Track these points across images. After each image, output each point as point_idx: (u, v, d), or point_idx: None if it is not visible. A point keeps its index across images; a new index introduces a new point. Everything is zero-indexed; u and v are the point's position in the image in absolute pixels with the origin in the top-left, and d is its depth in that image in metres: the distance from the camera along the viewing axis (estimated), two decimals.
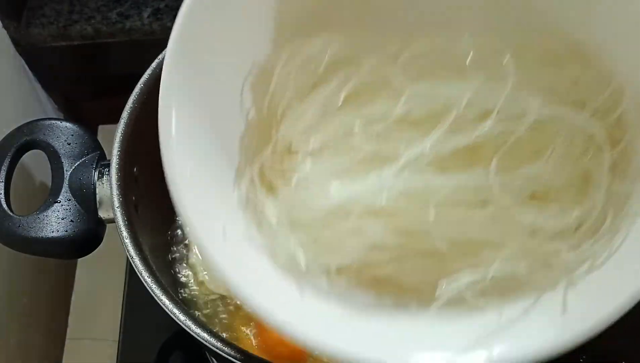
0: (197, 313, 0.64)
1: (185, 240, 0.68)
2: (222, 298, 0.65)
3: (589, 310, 0.38)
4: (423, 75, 0.42)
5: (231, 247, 0.41)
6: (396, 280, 0.43)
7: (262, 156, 0.44)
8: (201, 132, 0.42)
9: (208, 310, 0.65)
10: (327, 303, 0.42)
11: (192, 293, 0.66)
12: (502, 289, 0.40)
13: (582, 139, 0.41)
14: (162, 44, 0.63)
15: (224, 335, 0.62)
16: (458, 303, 0.40)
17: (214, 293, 0.65)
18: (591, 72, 0.42)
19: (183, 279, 0.66)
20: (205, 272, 0.66)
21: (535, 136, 0.41)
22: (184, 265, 0.67)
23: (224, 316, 0.64)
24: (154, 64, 0.61)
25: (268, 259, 0.42)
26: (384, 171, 0.40)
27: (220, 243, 0.40)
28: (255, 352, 0.61)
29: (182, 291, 0.66)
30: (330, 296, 0.42)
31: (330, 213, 0.41)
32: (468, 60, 0.41)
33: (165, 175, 0.40)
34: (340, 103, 0.43)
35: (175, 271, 0.67)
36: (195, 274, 0.66)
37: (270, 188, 0.45)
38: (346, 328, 0.41)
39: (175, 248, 0.68)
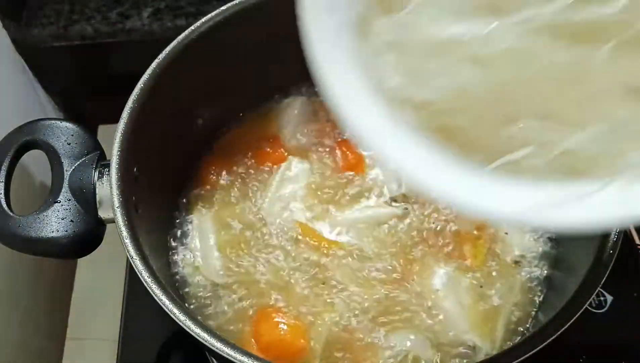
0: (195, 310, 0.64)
1: (185, 238, 0.68)
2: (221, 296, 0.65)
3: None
4: None
5: (337, 52, 0.43)
6: (467, 133, 0.43)
7: None
8: None
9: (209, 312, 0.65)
10: (404, 126, 0.43)
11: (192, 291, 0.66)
12: (568, 168, 0.41)
13: None
14: (162, 44, 0.64)
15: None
16: (522, 168, 0.41)
17: (208, 280, 0.66)
18: None
19: (181, 270, 0.67)
20: (200, 259, 0.67)
21: None
22: (183, 258, 0.67)
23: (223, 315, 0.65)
24: (154, 64, 0.61)
25: (363, 72, 0.43)
26: (498, 21, 0.40)
27: (329, 46, 0.42)
28: (252, 349, 0.61)
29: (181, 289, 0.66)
30: (408, 123, 0.43)
31: (433, 45, 0.42)
32: None
33: None
34: None
35: (174, 270, 0.67)
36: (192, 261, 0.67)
37: (388, 8, 0.44)
38: (409, 150, 0.42)
39: (175, 244, 0.68)
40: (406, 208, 0.68)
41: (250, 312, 0.63)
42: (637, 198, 0.39)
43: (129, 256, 0.53)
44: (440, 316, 0.61)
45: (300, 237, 0.66)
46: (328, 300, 0.63)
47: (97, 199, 0.57)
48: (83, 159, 0.58)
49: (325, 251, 0.65)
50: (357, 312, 0.62)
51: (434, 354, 0.60)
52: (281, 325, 0.61)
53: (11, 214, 0.55)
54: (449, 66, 0.41)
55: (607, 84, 0.39)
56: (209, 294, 0.65)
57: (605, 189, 0.40)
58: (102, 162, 0.59)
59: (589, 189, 0.40)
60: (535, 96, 0.41)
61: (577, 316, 0.50)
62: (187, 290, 0.66)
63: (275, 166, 0.71)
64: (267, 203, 0.68)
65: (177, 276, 0.66)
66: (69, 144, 0.59)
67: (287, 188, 0.69)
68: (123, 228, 0.54)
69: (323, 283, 0.63)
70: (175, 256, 0.67)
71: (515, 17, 0.40)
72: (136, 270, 0.52)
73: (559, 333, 0.49)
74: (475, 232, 0.66)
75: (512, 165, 0.41)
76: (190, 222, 0.69)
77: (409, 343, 0.60)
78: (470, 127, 0.43)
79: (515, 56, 0.40)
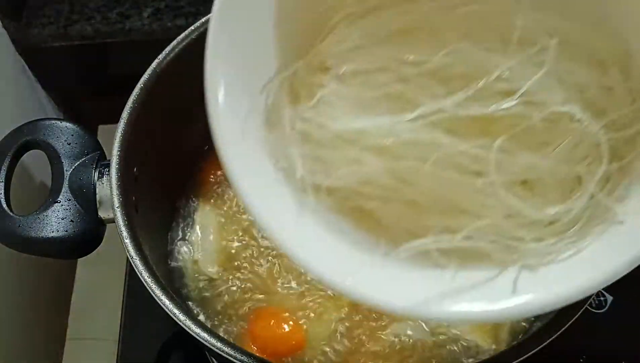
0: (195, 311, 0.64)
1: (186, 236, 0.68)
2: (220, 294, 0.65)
3: (529, 299, 0.40)
4: (470, 35, 0.43)
5: (245, 145, 0.43)
6: (377, 217, 0.45)
7: (296, 64, 0.46)
8: (244, 29, 0.43)
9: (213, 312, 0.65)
10: (309, 218, 0.44)
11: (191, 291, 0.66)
12: (465, 255, 0.42)
13: (588, 144, 0.42)
14: (162, 44, 0.64)
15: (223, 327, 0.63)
16: (421, 255, 0.43)
17: (204, 275, 0.66)
18: (628, 85, 0.43)
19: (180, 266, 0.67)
20: (199, 253, 0.67)
21: (548, 127, 0.42)
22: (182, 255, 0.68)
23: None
24: (154, 64, 0.61)
25: (272, 162, 0.45)
26: (400, 115, 0.42)
27: (236, 138, 0.43)
28: (248, 346, 0.61)
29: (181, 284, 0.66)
30: (315, 213, 0.44)
31: (338, 136, 0.43)
32: (516, 35, 0.42)
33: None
34: (385, 36, 0.45)
35: (174, 267, 0.67)
36: (192, 254, 0.67)
37: (296, 98, 0.46)
38: (312, 240, 0.43)
39: (175, 244, 0.68)
40: None
41: (247, 309, 0.63)
42: (525, 289, 0.41)
43: (129, 256, 0.53)
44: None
45: None
46: (326, 297, 0.63)
47: (97, 199, 0.57)
48: (83, 159, 0.58)
49: None
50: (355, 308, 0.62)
51: (433, 343, 0.60)
52: (278, 322, 0.62)
53: (11, 214, 0.55)
54: (354, 156, 0.43)
55: (501, 174, 0.41)
56: (207, 291, 0.65)
57: (498, 279, 0.41)
58: (102, 162, 0.59)
59: (482, 278, 0.41)
60: (437, 185, 0.42)
61: (577, 316, 0.50)
62: (185, 286, 0.66)
63: None
64: None
65: (177, 276, 0.66)
66: (69, 144, 0.59)
67: None
68: (123, 228, 0.54)
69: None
70: (175, 255, 0.67)
71: (419, 110, 0.41)
72: (136, 270, 0.52)
73: (559, 333, 0.49)
74: None
75: (417, 251, 0.42)
76: (191, 221, 0.69)
77: (409, 332, 0.60)
78: (378, 212, 0.45)
79: (416, 146, 0.42)
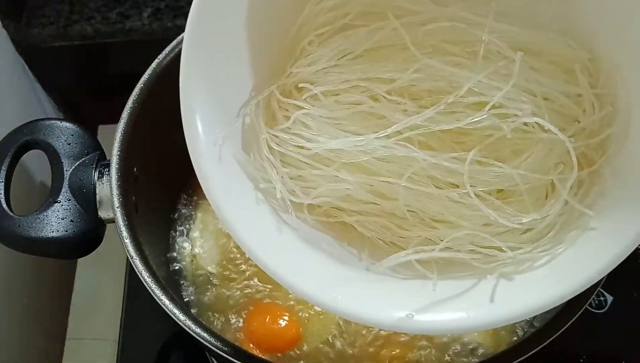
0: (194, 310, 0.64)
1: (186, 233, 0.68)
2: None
3: (505, 309, 0.41)
4: (439, 50, 0.45)
5: (223, 167, 0.44)
6: (358, 231, 0.47)
7: (270, 87, 0.47)
8: (216, 57, 0.44)
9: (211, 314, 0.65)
10: (291, 237, 0.45)
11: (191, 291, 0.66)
12: (445, 265, 0.44)
13: (559, 152, 0.44)
14: (162, 44, 0.64)
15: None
16: (403, 267, 0.44)
17: (201, 273, 0.66)
18: (596, 91, 0.44)
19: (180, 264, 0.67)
20: (199, 248, 0.68)
21: (520, 137, 0.43)
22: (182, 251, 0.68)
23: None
24: (154, 64, 0.61)
25: (251, 182, 0.46)
26: (373, 133, 0.43)
27: (213, 162, 0.44)
28: (245, 342, 0.61)
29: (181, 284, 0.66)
30: (297, 231, 0.46)
31: (314, 156, 0.45)
32: (482, 49, 0.43)
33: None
34: (355, 55, 0.46)
35: (174, 266, 0.67)
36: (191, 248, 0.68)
37: (273, 118, 0.47)
38: (295, 259, 0.44)
39: (175, 243, 0.68)
40: None
41: (246, 306, 0.63)
42: (502, 298, 0.42)
43: (129, 256, 0.53)
44: None
45: None
46: None
47: (97, 199, 0.57)
48: (83, 159, 0.58)
49: None
50: None
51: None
52: (275, 318, 0.62)
53: (11, 214, 0.55)
54: (331, 175, 0.45)
55: (475, 185, 0.43)
56: (207, 290, 0.65)
57: (477, 289, 0.43)
58: (102, 162, 0.59)
59: (461, 288, 0.43)
60: (414, 198, 0.44)
61: (577, 316, 0.50)
62: (185, 286, 0.66)
63: None
64: None
65: (177, 275, 0.66)
66: (69, 144, 0.59)
67: None
68: (123, 228, 0.54)
69: None
70: (175, 255, 0.67)
71: (392, 126, 0.43)
72: (136, 270, 0.52)
73: (559, 333, 0.49)
74: None
75: (398, 263, 0.43)
76: (191, 221, 0.69)
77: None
78: (359, 226, 0.47)
79: (391, 162, 0.44)
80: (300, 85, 0.47)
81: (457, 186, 0.44)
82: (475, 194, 0.42)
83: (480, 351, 0.60)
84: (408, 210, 0.44)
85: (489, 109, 0.41)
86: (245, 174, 0.46)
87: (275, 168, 0.45)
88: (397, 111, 0.44)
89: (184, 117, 0.44)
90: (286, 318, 0.62)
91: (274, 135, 0.46)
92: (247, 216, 0.44)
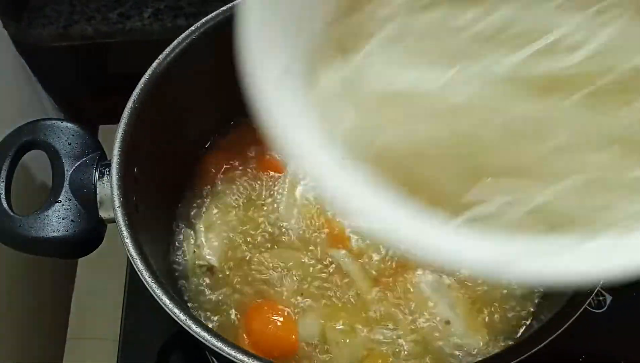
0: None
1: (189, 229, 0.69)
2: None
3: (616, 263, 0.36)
4: None
5: (286, 97, 0.39)
6: (431, 187, 0.40)
7: (345, 19, 0.42)
8: None
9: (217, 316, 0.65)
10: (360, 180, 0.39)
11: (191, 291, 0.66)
12: (543, 222, 0.38)
13: None
14: (162, 44, 0.64)
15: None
16: (488, 225, 0.38)
17: (202, 264, 0.66)
18: None
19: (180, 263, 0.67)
20: (200, 243, 0.67)
21: (623, 86, 0.37)
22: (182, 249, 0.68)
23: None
24: (154, 64, 0.61)
25: (315, 116, 0.40)
26: (454, 71, 0.38)
27: (275, 86, 0.39)
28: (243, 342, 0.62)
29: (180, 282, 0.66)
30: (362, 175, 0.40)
31: (387, 95, 0.39)
32: None
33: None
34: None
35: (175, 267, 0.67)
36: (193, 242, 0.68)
37: (344, 50, 0.42)
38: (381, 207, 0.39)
39: (175, 243, 0.68)
40: None
41: (246, 305, 0.64)
42: (627, 251, 0.36)
43: (129, 256, 0.53)
44: (437, 318, 0.62)
45: (298, 235, 0.67)
46: (321, 295, 0.63)
47: (98, 199, 0.57)
48: (84, 159, 0.58)
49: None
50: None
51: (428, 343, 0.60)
52: (273, 319, 0.62)
53: (12, 214, 0.56)
54: (404, 117, 0.39)
55: (578, 136, 0.37)
56: (207, 289, 0.65)
57: (589, 243, 0.37)
58: (102, 162, 0.59)
59: (568, 243, 0.37)
60: (500, 150, 0.38)
61: (576, 316, 0.50)
62: (186, 285, 0.66)
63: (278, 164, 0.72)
64: (283, 206, 0.69)
65: (177, 275, 0.66)
66: (70, 144, 0.59)
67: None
68: (123, 228, 0.54)
69: (317, 279, 0.64)
70: (176, 254, 0.68)
71: (473, 67, 0.37)
72: (136, 270, 0.52)
73: (558, 332, 0.49)
74: None
75: (481, 221, 0.38)
76: (191, 220, 0.69)
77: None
78: (434, 181, 0.40)
79: (474, 109, 0.38)
80: (373, 25, 0.41)
81: (553, 136, 0.37)
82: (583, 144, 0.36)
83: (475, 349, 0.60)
84: (497, 160, 0.38)
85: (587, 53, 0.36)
86: (309, 108, 0.40)
87: (342, 103, 0.40)
88: (483, 53, 0.38)
89: (247, 44, 0.38)
90: (285, 320, 0.62)
91: (343, 67, 0.41)
92: (314, 152, 0.39)
